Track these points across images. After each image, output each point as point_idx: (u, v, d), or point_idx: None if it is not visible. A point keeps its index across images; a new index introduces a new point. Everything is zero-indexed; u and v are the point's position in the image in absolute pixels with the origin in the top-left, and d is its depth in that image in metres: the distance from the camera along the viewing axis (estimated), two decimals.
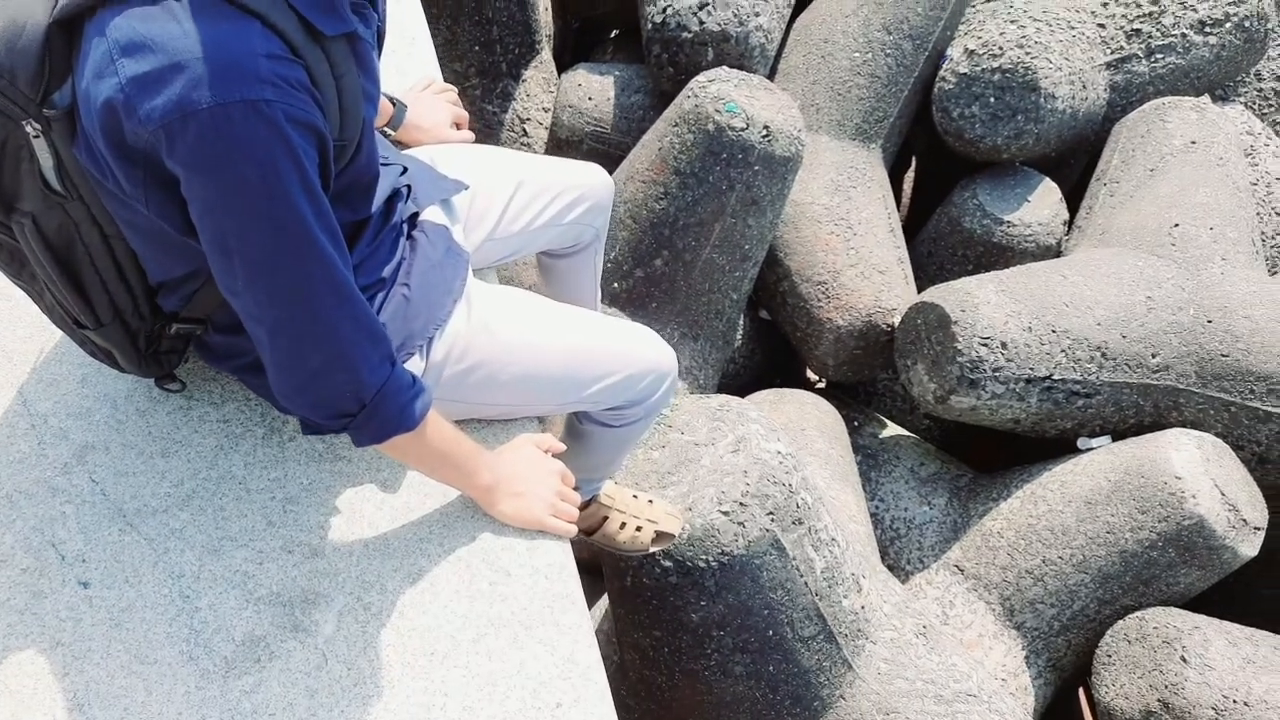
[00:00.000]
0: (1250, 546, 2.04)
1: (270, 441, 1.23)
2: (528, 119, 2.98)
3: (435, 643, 1.08)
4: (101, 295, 1.00)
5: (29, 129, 0.85)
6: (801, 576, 1.50)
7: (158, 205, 0.87)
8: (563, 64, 3.10)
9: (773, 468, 1.44)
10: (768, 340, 2.96)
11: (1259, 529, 2.05)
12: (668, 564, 1.47)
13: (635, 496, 1.46)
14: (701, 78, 2.30)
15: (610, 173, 2.63)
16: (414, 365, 1.12)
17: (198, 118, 0.76)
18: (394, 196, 1.10)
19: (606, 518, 1.45)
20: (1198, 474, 2.04)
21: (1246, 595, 2.48)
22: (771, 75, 2.82)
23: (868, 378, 2.78)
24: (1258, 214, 2.82)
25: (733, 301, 2.52)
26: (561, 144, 2.80)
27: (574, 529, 1.18)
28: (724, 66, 2.42)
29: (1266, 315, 2.22)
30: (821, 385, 3.25)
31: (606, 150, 2.81)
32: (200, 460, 1.21)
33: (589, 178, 1.38)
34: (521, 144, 2.95)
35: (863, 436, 2.69)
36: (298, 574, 1.13)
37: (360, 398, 0.94)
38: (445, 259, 1.15)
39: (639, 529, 1.42)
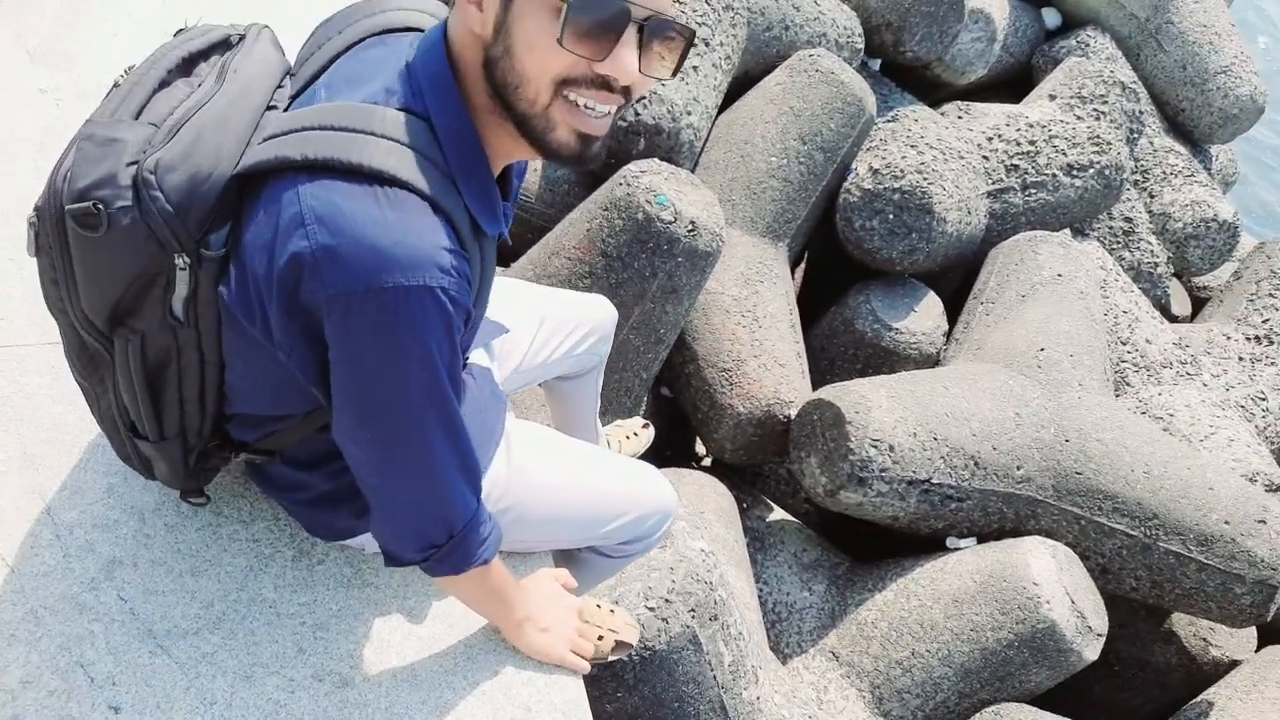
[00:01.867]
0: (1093, 651, 2.26)
1: (300, 564, 1.22)
2: None
3: None
4: (175, 412, 1.02)
5: (179, 261, 0.88)
6: (711, 670, 1.57)
7: (299, 356, 0.90)
8: None
9: (696, 565, 1.51)
10: (666, 416, 3.05)
11: (1101, 635, 2.27)
12: None
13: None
14: (634, 167, 2.40)
15: (530, 241, 2.68)
16: None
17: (381, 295, 0.81)
18: None
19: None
20: (1052, 582, 2.25)
21: (1081, 692, 2.72)
22: (694, 167, 2.96)
23: (760, 463, 2.91)
24: (1107, 342, 3.16)
25: (642, 381, 2.60)
26: None
27: (589, 666, 1.24)
28: (654, 158, 2.53)
29: (1114, 439, 2.49)
30: (707, 463, 3.36)
31: (528, 219, 2.86)
32: (230, 581, 1.19)
33: (598, 309, 1.50)
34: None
35: (750, 519, 2.81)
36: (328, 704, 1.11)
37: (451, 530, 0.98)
38: (490, 402, 1.21)
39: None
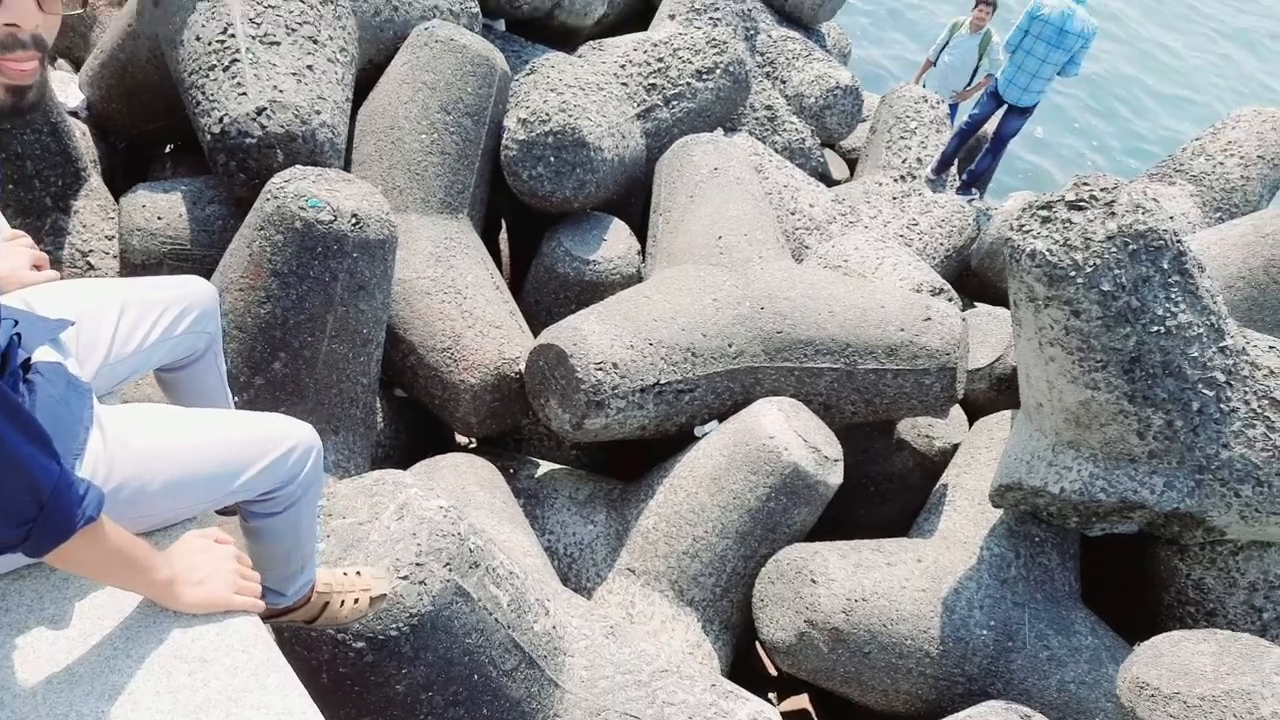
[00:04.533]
0: (836, 476, 2.53)
1: None
2: (89, 251, 2.75)
3: None
4: None
5: None
6: (490, 614, 1.60)
7: None
8: (117, 188, 2.91)
9: (438, 523, 1.53)
10: (409, 417, 3.02)
11: (838, 460, 2.55)
12: (360, 645, 1.48)
13: (345, 574, 1.50)
14: (277, 179, 2.32)
15: None
16: None
17: None
18: (7, 347, 1.08)
19: (328, 603, 1.47)
20: (784, 430, 2.49)
21: (848, 520, 3.04)
22: (346, 166, 2.91)
23: (511, 426, 2.96)
24: (777, 217, 3.48)
25: (364, 386, 2.56)
26: (136, 269, 2.64)
27: (261, 603, 1.21)
28: (297, 165, 2.46)
29: (799, 294, 2.77)
30: (473, 446, 3.37)
31: (190, 267, 2.69)
32: None
33: (190, 287, 1.41)
34: (91, 278, 2.72)
35: (520, 480, 2.86)
36: None
37: (38, 498, 0.96)
38: (67, 393, 1.14)
39: (356, 600, 1.48)
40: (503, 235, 3.97)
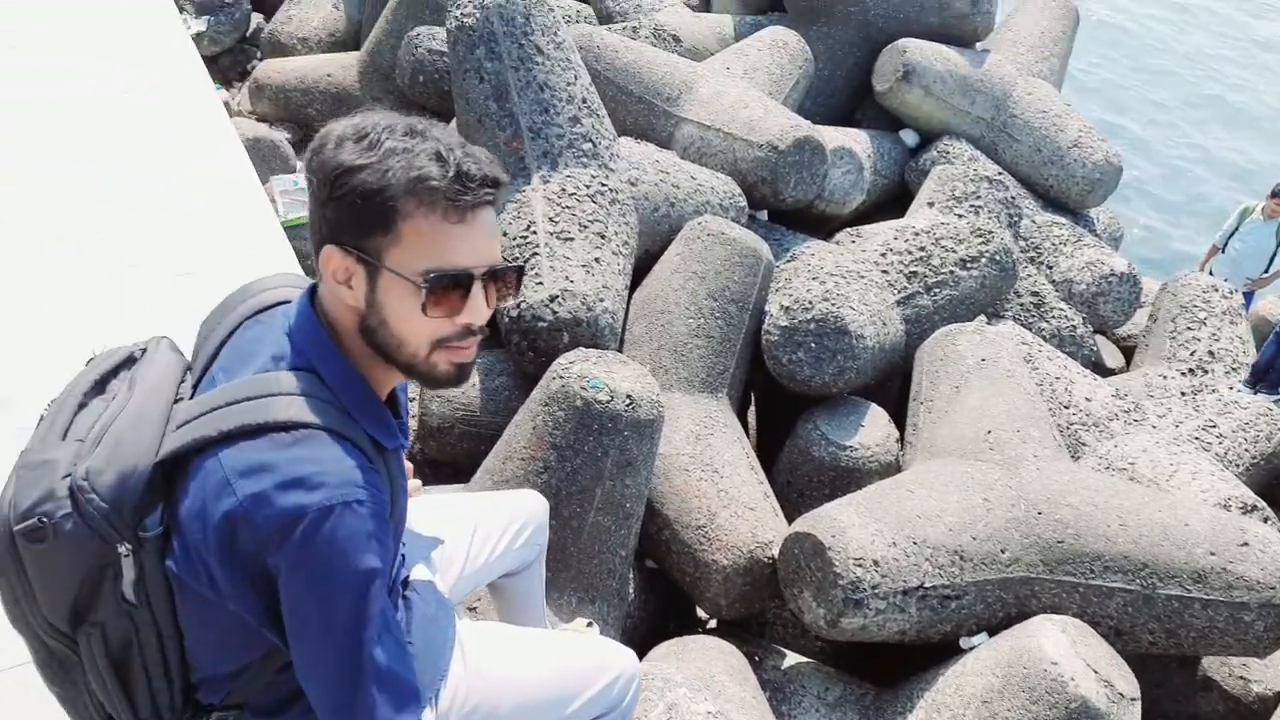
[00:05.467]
0: (1132, 717, 2.20)
1: None
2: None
3: None
4: (145, 694, 1.07)
5: (122, 549, 0.98)
6: None
7: (248, 603, 0.98)
8: None
9: None
10: (658, 588, 3.03)
11: (1134, 699, 2.23)
12: None
13: None
14: (563, 360, 2.52)
15: (484, 453, 2.75)
16: (427, 718, 1.18)
17: (309, 519, 0.92)
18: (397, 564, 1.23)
19: None
20: (1070, 657, 2.23)
21: None
22: (620, 346, 3.11)
23: (759, 611, 2.88)
24: (1049, 410, 3.28)
25: (622, 559, 2.61)
26: (433, 431, 2.91)
27: None
28: (580, 347, 2.66)
29: (1083, 500, 2.54)
30: (713, 624, 3.31)
31: (478, 431, 2.94)
32: None
33: (528, 504, 1.59)
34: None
35: (765, 671, 2.75)
36: None
37: None
38: (438, 611, 1.28)
39: None
40: (750, 412, 4.03)
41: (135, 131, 2.96)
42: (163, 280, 2.38)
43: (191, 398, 1.06)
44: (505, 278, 1.06)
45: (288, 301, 1.12)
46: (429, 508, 1.49)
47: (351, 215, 0.98)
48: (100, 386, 1.09)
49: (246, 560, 0.95)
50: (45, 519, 0.96)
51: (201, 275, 2.42)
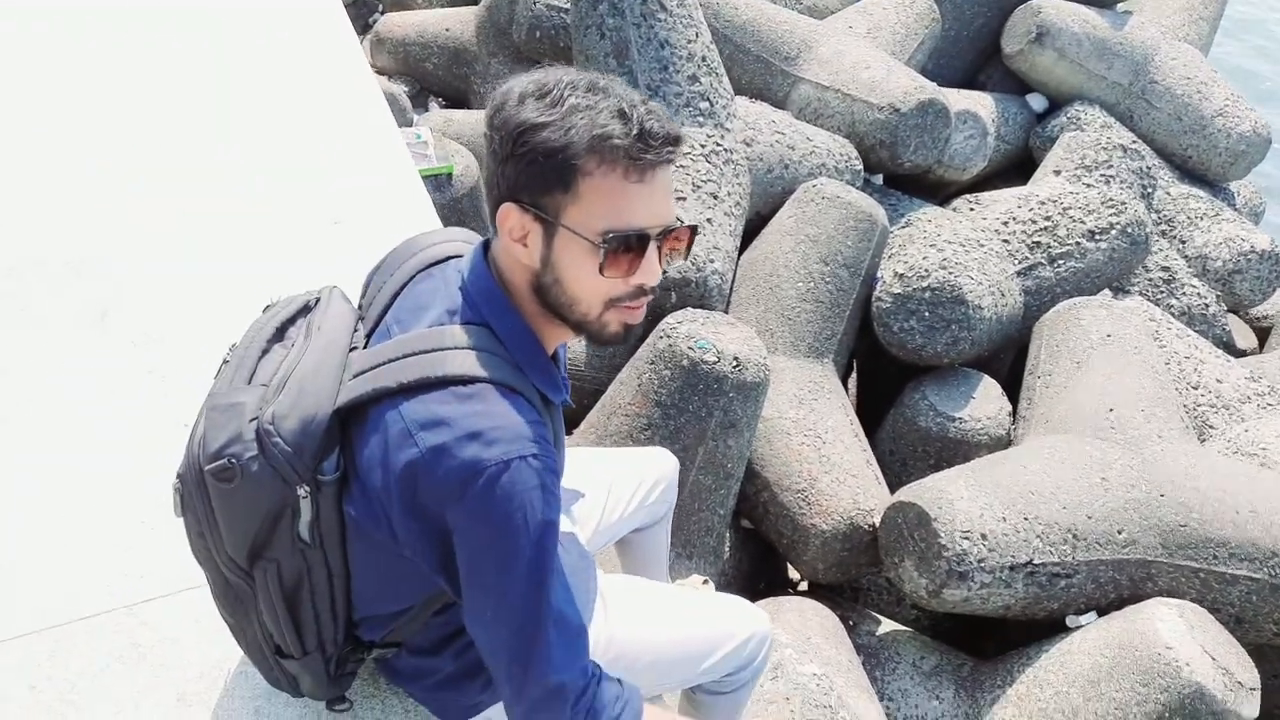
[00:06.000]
0: (1251, 707, 2.12)
1: None
2: None
3: None
4: (312, 628, 1.14)
5: (300, 491, 1.03)
6: None
7: (423, 550, 1.02)
8: None
9: (811, 690, 1.51)
10: (751, 548, 3.05)
11: (1254, 689, 2.14)
12: None
13: None
14: (671, 319, 2.54)
15: (588, 406, 2.81)
16: None
17: (488, 473, 0.94)
18: None
19: None
20: (1187, 642, 2.15)
21: None
22: (726, 307, 3.11)
23: (855, 577, 2.87)
24: (1176, 390, 3.12)
25: (720, 517, 2.64)
26: None
27: None
28: (687, 307, 2.68)
29: (1210, 484, 2.43)
30: (804, 587, 3.31)
31: (581, 386, 3.00)
32: None
33: (660, 461, 1.63)
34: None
35: (860, 635, 2.74)
36: None
37: (584, 683, 1.04)
38: (580, 563, 1.33)
39: None
40: (850, 379, 3.97)
41: (284, 79, 3.10)
42: (317, 228, 2.48)
43: (365, 348, 1.10)
44: (677, 238, 1.05)
45: (458, 256, 1.15)
46: (568, 460, 1.52)
47: (532, 173, 0.98)
48: (280, 334, 1.14)
49: (426, 510, 0.98)
50: (234, 460, 1.02)
51: (350, 224, 2.51)
